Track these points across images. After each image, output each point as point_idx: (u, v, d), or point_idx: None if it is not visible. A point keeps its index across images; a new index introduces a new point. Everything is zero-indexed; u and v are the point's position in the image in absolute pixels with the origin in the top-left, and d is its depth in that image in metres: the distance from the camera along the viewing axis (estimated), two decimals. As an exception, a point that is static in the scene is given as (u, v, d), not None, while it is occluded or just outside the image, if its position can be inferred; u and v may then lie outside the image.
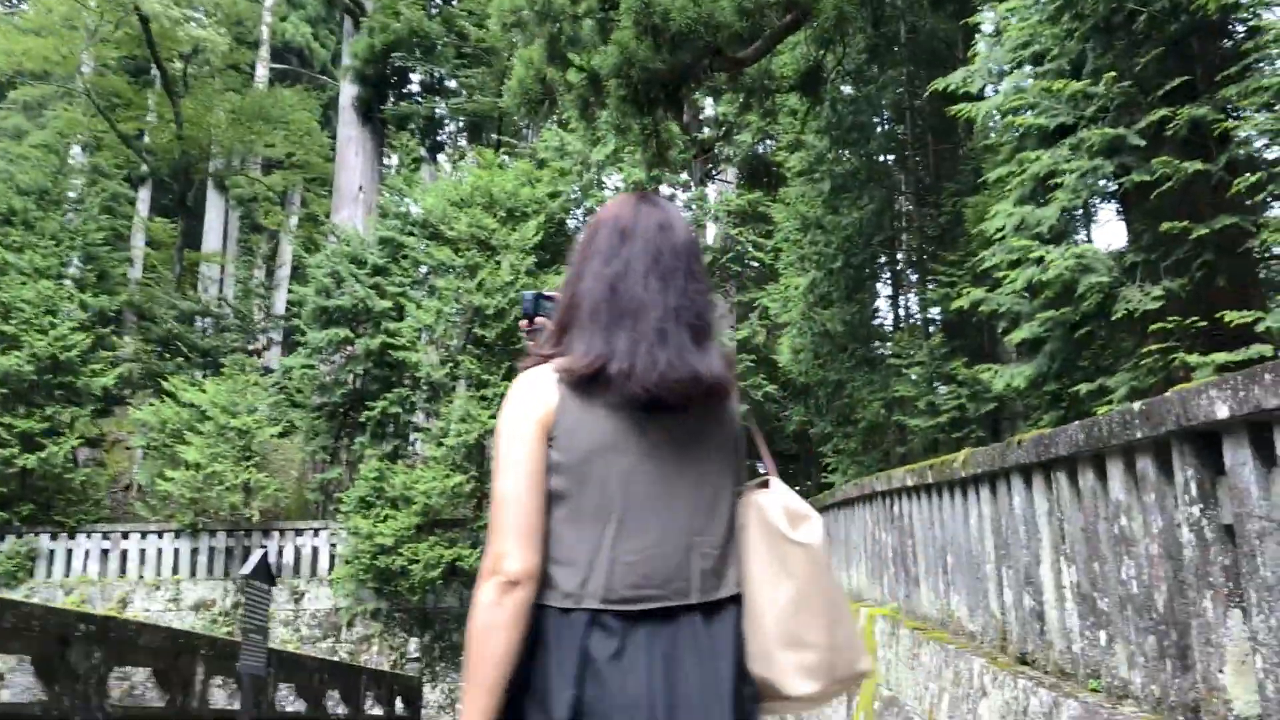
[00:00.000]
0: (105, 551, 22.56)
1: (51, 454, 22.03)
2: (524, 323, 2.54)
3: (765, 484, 2.20)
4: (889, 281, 18.83)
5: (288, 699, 11.85)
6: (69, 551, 22.57)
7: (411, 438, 23.36)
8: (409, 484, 20.82)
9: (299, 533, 22.53)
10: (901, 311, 18.54)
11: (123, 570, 22.49)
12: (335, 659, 20.97)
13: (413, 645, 20.65)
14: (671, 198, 24.42)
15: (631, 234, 2.13)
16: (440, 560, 20.23)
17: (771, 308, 19.85)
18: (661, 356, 2.01)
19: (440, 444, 21.39)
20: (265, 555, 7.68)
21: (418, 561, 20.16)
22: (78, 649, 6.91)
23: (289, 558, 22.22)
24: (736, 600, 2.07)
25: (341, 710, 13.21)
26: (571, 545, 1.97)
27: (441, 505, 20.70)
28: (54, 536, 22.53)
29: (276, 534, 22.48)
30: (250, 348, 30.77)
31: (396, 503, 20.98)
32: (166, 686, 8.41)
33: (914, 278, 18.42)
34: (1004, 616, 6.60)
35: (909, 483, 9.01)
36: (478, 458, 22.39)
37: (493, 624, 1.91)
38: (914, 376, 14.26)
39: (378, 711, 14.91)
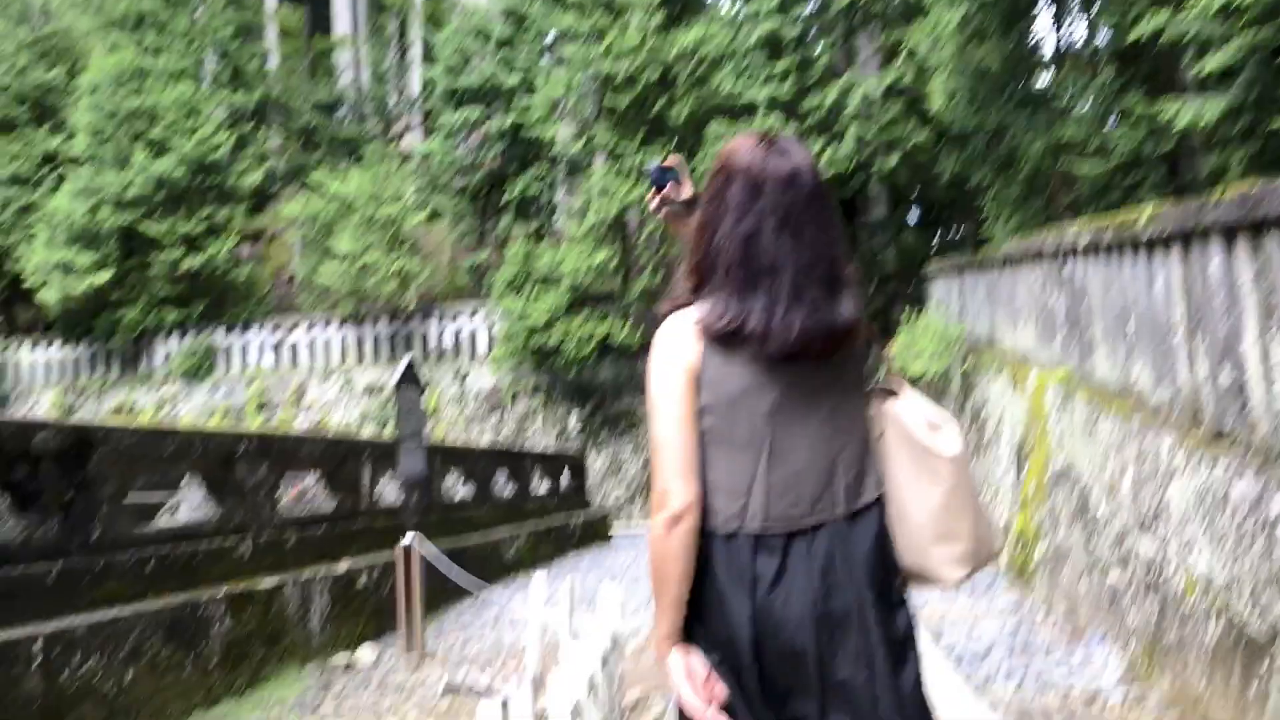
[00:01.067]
0: (277, 344, 23.55)
1: (213, 254, 22.75)
2: (650, 195, 2.56)
3: (893, 391, 2.29)
4: (1052, 8, 17.13)
5: (456, 487, 12.21)
6: (244, 346, 23.66)
7: (554, 216, 23.15)
8: (555, 262, 20.79)
9: (455, 316, 22.97)
10: (1066, 43, 16.90)
11: (294, 361, 23.49)
12: (500, 436, 21.73)
13: (573, 420, 21.12)
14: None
15: (762, 188, 2.14)
16: (592, 336, 20.36)
17: (920, 48, 18.48)
18: (796, 318, 2.09)
19: (582, 220, 21.14)
20: (411, 362, 7.63)
21: (571, 338, 20.33)
22: (243, 466, 7.08)
23: (449, 341, 22.77)
24: (878, 501, 2.20)
25: (511, 490, 13.64)
26: (729, 476, 2.12)
27: (588, 282, 20.65)
28: (228, 332, 23.60)
29: (434, 318, 22.98)
30: (389, 134, 30.74)
31: (545, 282, 21.04)
32: (335, 490, 8.67)
33: (1079, 3, 16.67)
34: (1196, 390, 6.03)
35: (1082, 242, 8.28)
36: (620, 232, 22.14)
37: (667, 553, 2.11)
38: (1081, 116, 13.07)
39: (546, 487, 15.38)
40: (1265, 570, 4.74)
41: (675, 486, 2.11)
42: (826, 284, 2.13)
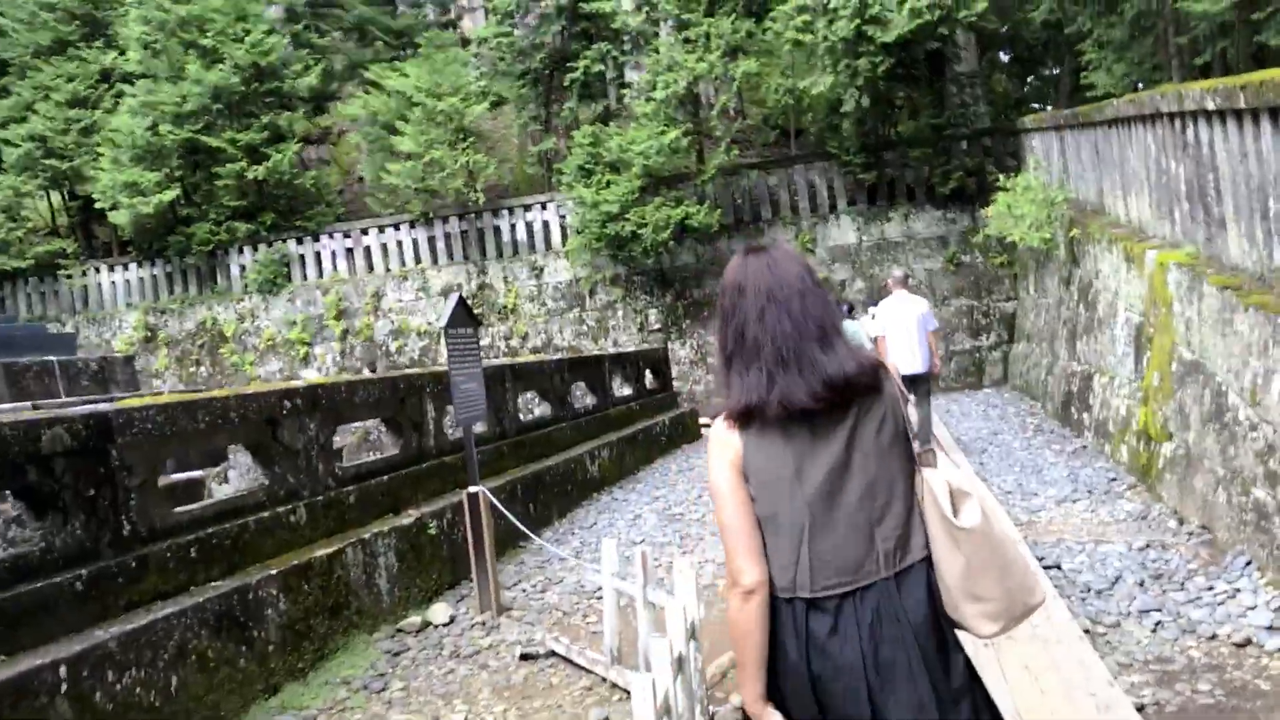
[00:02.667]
0: (349, 249, 23.16)
1: (277, 162, 22.23)
2: None
3: (927, 461, 2.45)
4: None
5: (532, 405, 11.72)
6: (317, 254, 23.31)
7: (621, 95, 22.07)
8: (625, 145, 19.82)
9: (527, 208, 22.25)
10: None
11: (369, 265, 23.11)
12: (583, 329, 21.20)
13: (652, 316, 20.43)
14: None
15: (744, 287, 2.46)
16: (669, 220, 19.49)
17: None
18: (783, 379, 2.35)
19: (650, 98, 20.08)
20: (461, 297, 6.99)
21: (646, 224, 19.49)
22: (289, 426, 6.60)
23: (521, 234, 22.13)
24: (927, 559, 2.40)
25: (590, 400, 13.11)
26: (778, 554, 2.40)
27: (661, 164, 19.68)
28: (300, 241, 23.26)
29: (505, 212, 22.31)
30: (444, 19, 29.63)
31: (616, 167, 20.14)
32: (398, 432, 8.20)
33: None
34: (1364, 289, 5.11)
35: (1210, 105, 7.22)
36: (691, 107, 21.02)
37: (744, 625, 2.38)
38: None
39: (627, 391, 14.83)
40: None
41: (745, 566, 2.39)
42: (819, 342, 2.38)
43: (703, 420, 17.15)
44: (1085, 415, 11.25)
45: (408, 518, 7.48)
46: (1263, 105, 6.20)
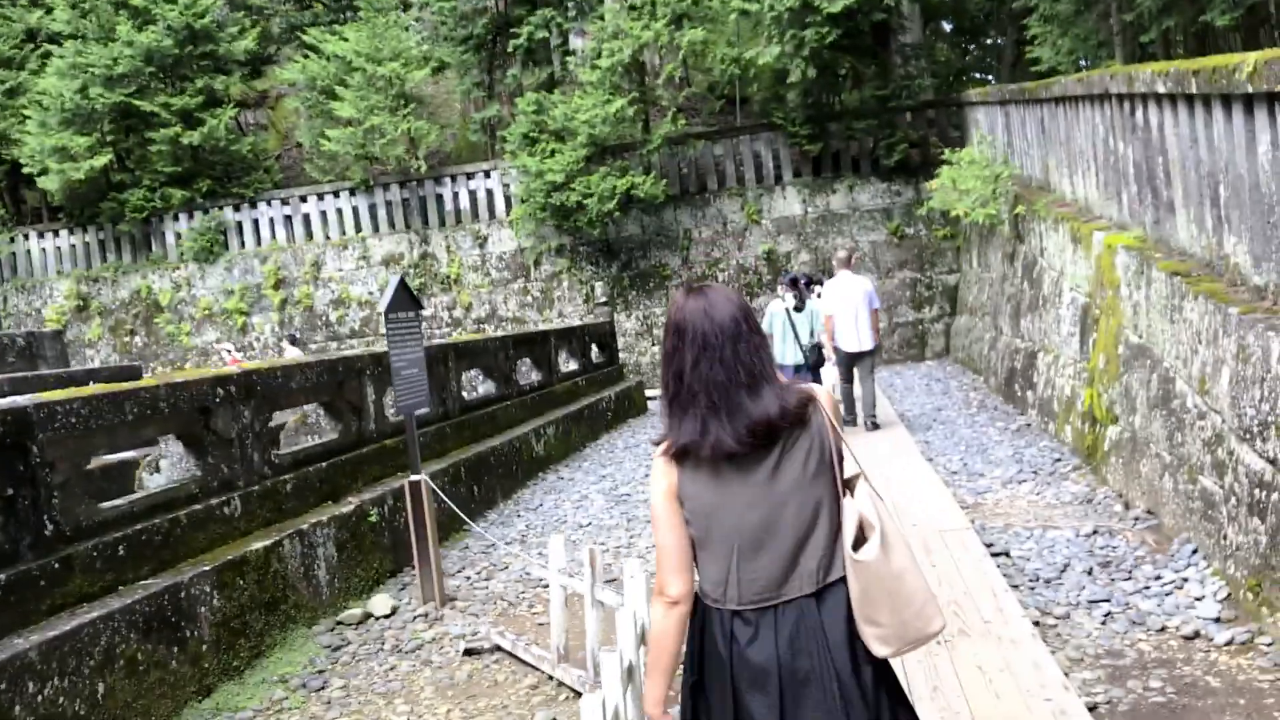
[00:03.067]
0: (288, 217, 22.67)
1: (212, 126, 21.65)
2: None
3: (849, 487, 2.64)
4: None
5: (476, 383, 11.52)
6: (255, 222, 22.80)
7: (566, 63, 21.73)
8: (570, 114, 19.53)
9: (470, 176, 21.89)
10: None
11: (309, 233, 22.64)
12: (528, 300, 20.96)
13: (599, 289, 20.23)
14: None
15: (683, 330, 2.62)
16: (614, 191, 19.27)
17: None
18: (715, 427, 2.54)
19: (595, 66, 19.79)
20: (403, 280, 6.76)
21: (592, 194, 19.27)
22: (222, 415, 6.37)
23: (465, 203, 21.78)
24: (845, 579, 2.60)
25: (536, 376, 12.92)
26: (711, 570, 2.62)
27: (606, 133, 19.43)
28: (237, 208, 22.73)
29: (448, 180, 21.94)
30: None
31: (561, 135, 19.86)
32: (337, 416, 7.98)
33: None
34: (1315, 282, 5.09)
35: (1161, 88, 7.17)
36: (637, 75, 20.76)
37: (664, 630, 2.63)
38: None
39: (573, 365, 14.66)
40: None
41: (672, 580, 2.62)
42: (748, 388, 2.56)
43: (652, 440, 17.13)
44: (1029, 393, 11.29)
45: (348, 505, 7.29)
46: (1215, 91, 6.16)
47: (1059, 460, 9.06)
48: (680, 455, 2.58)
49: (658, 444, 2.69)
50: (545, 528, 8.93)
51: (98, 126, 21.55)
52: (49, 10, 22.97)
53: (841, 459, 2.61)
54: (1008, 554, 6.68)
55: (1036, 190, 12.42)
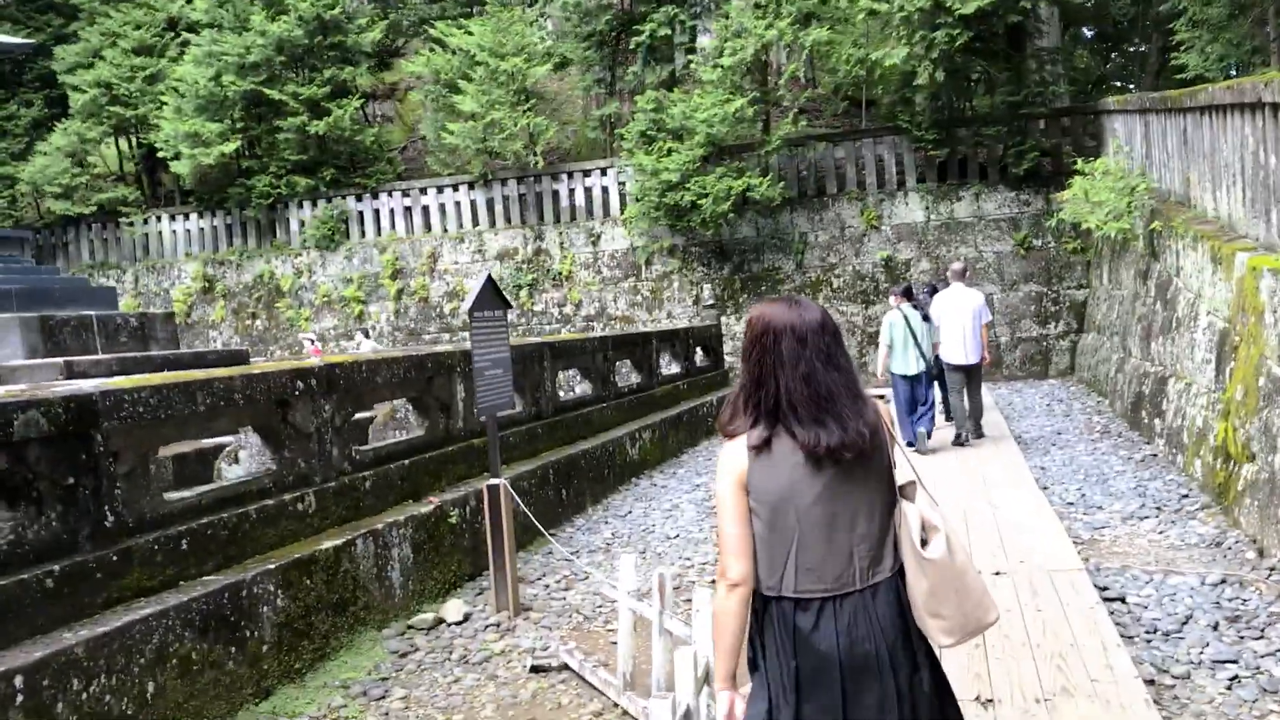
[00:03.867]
0: (408, 209, 22.90)
1: (338, 116, 21.99)
2: None
3: (907, 496, 2.83)
4: None
5: (573, 382, 11.31)
6: (375, 212, 23.09)
7: (689, 61, 21.44)
8: (689, 112, 19.24)
9: (586, 174, 21.78)
10: None
11: (427, 225, 22.83)
12: (638, 299, 20.74)
13: (706, 291, 19.89)
14: None
15: (806, 339, 2.74)
16: (730, 192, 18.90)
17: None
18: (848, 427, 2.68)
19: (717, 64, 19.44)
20: (490, 279, 6.56)
21: (707, 195, 18.93)
22: (301, 408, 6.25)
23: (580, 199, 21.67)
24: (896, 575, 2.77)
25: (635, 379, 12.66)
26: (772, 558, 2.74)
27: (724, 133, 19.09)
28: (359, 198, 23.05)
29: (565, 177, 21.86)
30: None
31: (678, 134, 19.58)
32: (424, 413, 7.83)
33: None
34: None
35: (1320, 97, 6.53)
36: (759, 74, 20.35)
37: (726, 610, 2.75)
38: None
39: (675, 368, 14.37)
40: None
41: (734, 564, 2.73)
42: (851, 398, 2.72)
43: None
44: (1157, 421, 10.57)
45: (426, 507, 7.11)
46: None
47: (1186, 497, 8.40)
48: (761, 447, 2.70)
49: (733, 433, 2.79)
50: (632, 537, 8.65)
51: (229, 113, 22.13)
52: (189, 0, 23.65)
53: (894, 466, 2.82)
54: (1123, 600, 6.14)
55: (1175, 205, 11.65)
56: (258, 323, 23.48)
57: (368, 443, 7.42)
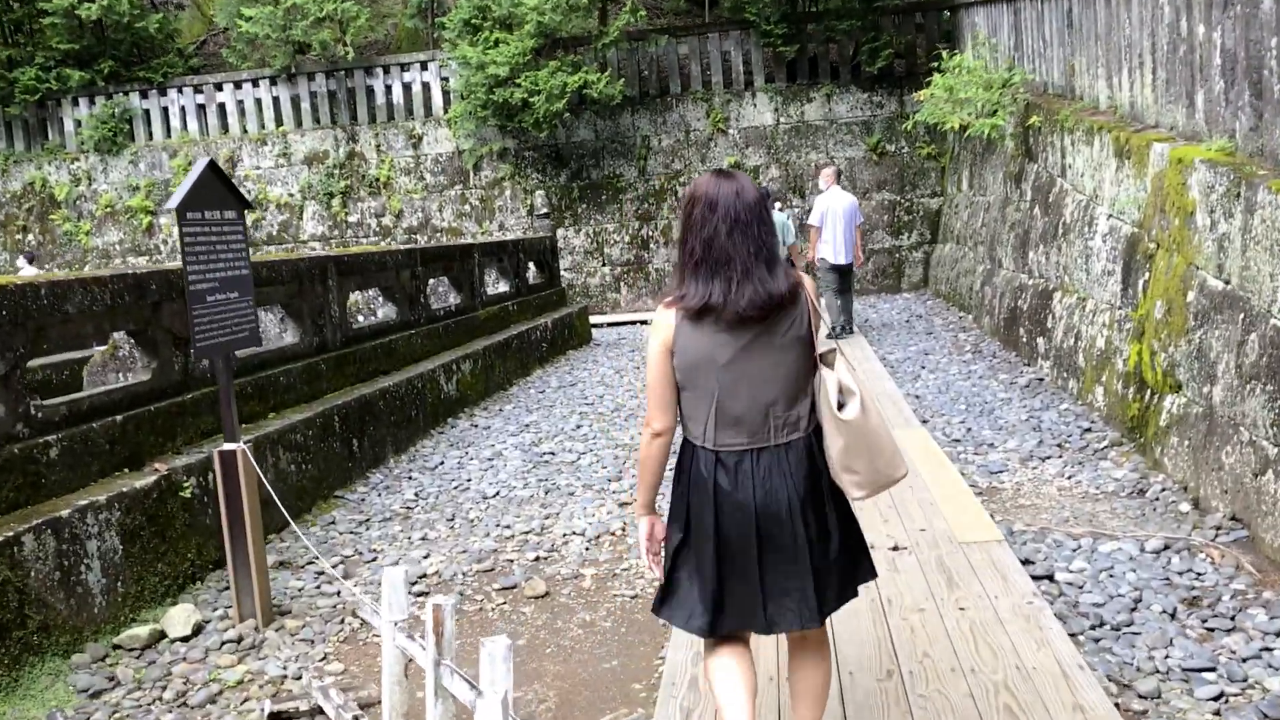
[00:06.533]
0: (201, 107, 20.24)
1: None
2: None
3: (827, 363, 2.93)
4: None
5: (375, 305, 9.49)
6: (165, 110, 20.35)
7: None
8: (518, -1, 17.24)
9: (405, 68, 19.54)
10: None
11: (224, 126, 20.26)
12: (465, 209, 18.81)
13: (540, 200, 18.11)
14: None
15: (716, 204, 2.85)
16: (565, 88, 17.03)
17: None
18: (746, 290, 2.80)
19: (548, -56, 17.41)
20: (211, 165, 4.73)
21: (540, 91, 17.02)
22: None
23: (398, 97, 19.45)
24: (818, 432, 2.93)
25: (454, 299, 10.89)
26: (693, 412, 2.92)
27: (558, 22, 17.17)
28: (144, 95, 20.25)
29: (380, 71, 19.57)
30: None
31: (507, 24, 17.57)
32: (152, 351, 5.95)
33: None
34: None
35: (1286, -60, 5.21)
36: (596, -44, 18.44)
37: (651, 455, 2.97)
38: None
39: (503, 287, 12.62)
40: None
41: (657, 414, 2.94)
42: (767, 265, 2.84)
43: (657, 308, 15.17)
44: (1040, 340, 9.45)
45: (151, 475, 5.31)
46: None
47: (1089, 431, 7.23)
48: (696, 313, 2.81)
49: (668, 298, 2.90)
50: (440, 497, 7.01)
51: (-19, -8, 19.00)
52: None
53: (816, 334, 2.90)
54: (1051, 578, 4.84)
55: (1054, 99, 10.47)
56: (29, 238, 20.58)
57: (72, 394, 5.52)
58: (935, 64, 13.37)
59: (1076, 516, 5.68)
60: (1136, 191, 7.22)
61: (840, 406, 2.86)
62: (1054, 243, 9.53)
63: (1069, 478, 6.40)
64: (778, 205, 12.91)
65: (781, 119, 18.21)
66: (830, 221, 11.88)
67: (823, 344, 2.92)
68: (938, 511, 5.46)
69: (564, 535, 5.99)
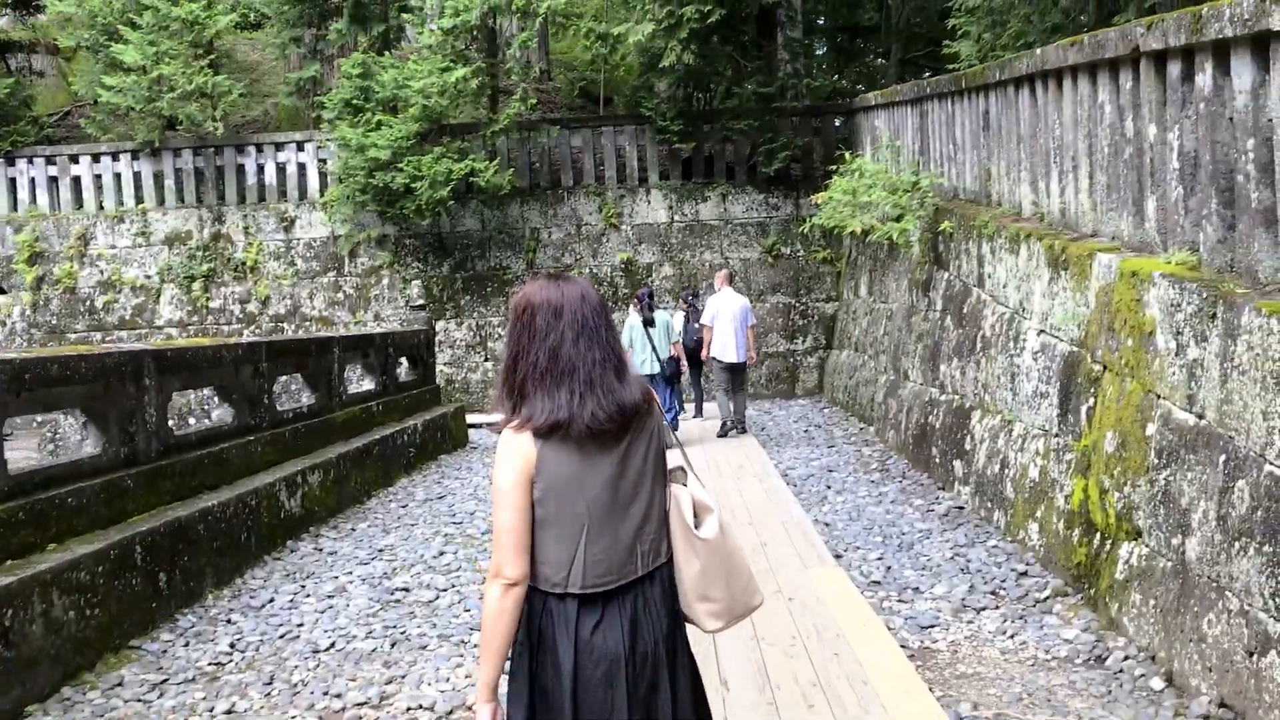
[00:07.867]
0: (53, 179, 18.71)
1: (-39, 60, 17.61)
2: None
3: (679, 480, 2.77)
4: None
5: (209, 405, 8.23)
6: (12, 181, 18.76)
7: (402, 21, 18.51)
8: (402, 80, 16.32)
9: (280, 147, 18.34)
10: None
11: (78, 201, 18.71)
12: (339, 297, 17.57)
13: (415, 289, 17.02)
14: None
15: (561, 310, 2.66)
16: (450, 175, 16.05)
17: None
18: (590, 402, 2.58)
19: (436, 27, 16.61)
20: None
21: (423, 177, 15.99)
22: None
23: (271, 177, 18.22)
24: (669, 561, 2.72)
25: (308, 400, 9.64)
26: (558, 553, 2.59)
27: (444, 107, 16.29)
28: (-12, 164, 18.65)
29: (253, 150, 18.36)
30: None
31: (391, 106, 16.63)
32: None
33: None
34: None
35: (1230, 33, 4.56)
36: (487, 41, 17.68)
37: (500, 611, 2.55)
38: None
39: (368, 385, 11.40)
40: None
41: (509, 561, 2.56)
42: (615, 372, 2.66)
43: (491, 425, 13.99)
44: (957, 463, 8.65)
45: None
46: None
47: (1025, 575, 6.35)
48: (546, 431, 2.57)
49: (511, 423, 2.64)
50: (261, 648, 5.74)
51: None
52: None
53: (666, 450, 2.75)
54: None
55: (967, 204, 9.88)
56: None
57: None
58: (834, 167, 12.82)
59: (1031, 693, 4.73)
60: (1076, 306, 6.48)
61: (696, 526, 2.71)
62: (970, 357, 8.81)
63: (1011, 636, 5.47)
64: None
65: (676, 216, 17.53)
66: (721, 322, 12.34)
67: (672, 459, 2.77)
68: (874, 696, 4.45)
69: (407, 710, 4.81)
